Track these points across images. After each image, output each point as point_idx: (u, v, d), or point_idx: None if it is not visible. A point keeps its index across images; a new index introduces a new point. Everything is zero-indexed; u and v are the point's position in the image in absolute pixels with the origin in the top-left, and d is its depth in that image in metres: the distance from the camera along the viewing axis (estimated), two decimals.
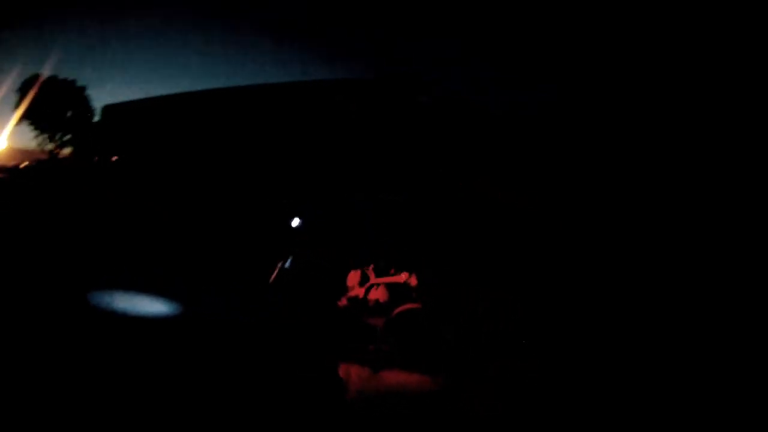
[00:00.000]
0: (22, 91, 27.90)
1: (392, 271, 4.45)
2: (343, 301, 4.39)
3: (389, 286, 4.22)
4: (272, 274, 4.65)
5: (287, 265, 4.68)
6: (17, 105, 27.73)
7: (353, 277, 4.59)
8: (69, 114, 27.21)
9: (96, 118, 24.35)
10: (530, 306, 4.36)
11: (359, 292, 4.27)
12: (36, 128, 28.11)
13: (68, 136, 26.94)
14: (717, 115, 5.76)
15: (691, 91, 6.21)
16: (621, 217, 5.37)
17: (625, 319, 4.14)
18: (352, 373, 3.29)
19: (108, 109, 19.74)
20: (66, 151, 26.44)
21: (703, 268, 4.52)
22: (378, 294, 4.18)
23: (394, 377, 3.32)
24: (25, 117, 27.84)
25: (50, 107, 27.30)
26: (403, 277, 4.11)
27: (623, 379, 3.53)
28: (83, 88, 27.56)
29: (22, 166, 11.54)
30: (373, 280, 4.37)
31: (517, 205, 5.71)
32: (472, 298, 4.53)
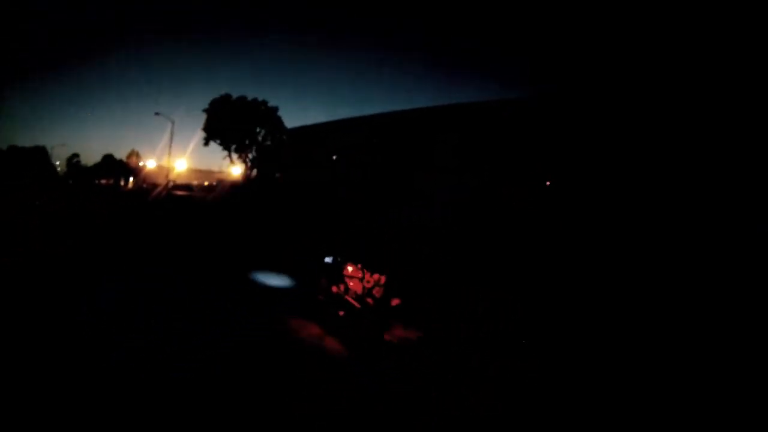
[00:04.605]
0: (210, 111, 26.11)
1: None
2: (341, 287, 5.50)
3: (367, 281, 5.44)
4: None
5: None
6: (205, 125, 26.07)
7: (354, 272, 5.59)
8: (261, 132, 25.67)
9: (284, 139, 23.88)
10: (530, 306, 4.37)
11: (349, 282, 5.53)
12: (226, 147, 26.56)
13: (253, 155, 25.56)
14: (715, 115, 5.77)
15: (690, 91, 6.21)
16: (621, 217, 5.38)
17: (625, 319, 4.14)
18: None
19: (290, 133, 22.60)
20: (254, 170, 25.37)
21: (704, 268, 4.52)
22: (358, 287, 5.36)
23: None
24: (214, 136, 26.10)
25: (241, 126, 25.61)
26: (375, 277, 5.27)
27: (622, 378, 3.53)
28: (275, 109, 25.97)
29: (206, 183, 14.67)
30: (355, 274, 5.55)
31: (517, 205, 5.71)
32: (472, 298, 4.54)
